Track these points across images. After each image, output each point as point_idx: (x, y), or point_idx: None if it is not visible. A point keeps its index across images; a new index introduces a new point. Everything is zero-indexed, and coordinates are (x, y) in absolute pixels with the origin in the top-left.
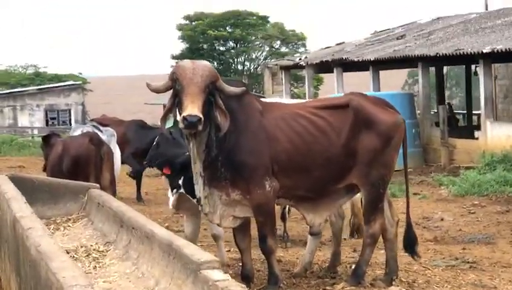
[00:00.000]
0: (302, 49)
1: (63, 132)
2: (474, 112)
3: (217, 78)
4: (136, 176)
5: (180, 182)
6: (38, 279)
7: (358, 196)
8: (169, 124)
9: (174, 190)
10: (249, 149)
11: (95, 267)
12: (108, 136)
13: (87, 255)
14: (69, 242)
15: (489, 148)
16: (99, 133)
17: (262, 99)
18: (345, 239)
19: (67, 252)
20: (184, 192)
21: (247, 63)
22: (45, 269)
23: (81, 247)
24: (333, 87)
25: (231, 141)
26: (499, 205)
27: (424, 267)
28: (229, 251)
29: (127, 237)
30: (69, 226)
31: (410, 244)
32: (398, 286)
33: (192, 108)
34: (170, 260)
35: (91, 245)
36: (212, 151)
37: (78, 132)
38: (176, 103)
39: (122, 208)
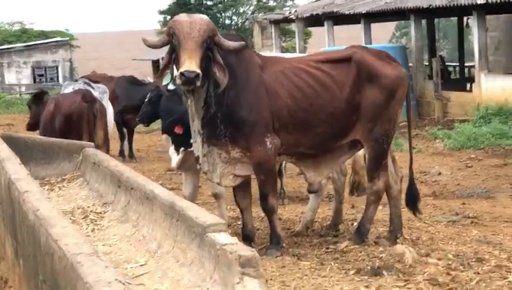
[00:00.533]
0: (290, 3)
1: (51, 89)
2: (466, 64)
3: (215, 33)
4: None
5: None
6: (38, 246)
7: (360, 152)
8: (166, 80)
9: (181, 149)
10: (249, 105)
11: (93, 230)
12: (101, 92)
13: (84, 217)
14: (64, 203)
15: (483, 100)
16: (91, 90)
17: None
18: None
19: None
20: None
21: (234, 18)
22: (45, 235)
23: (78, 208)
24: (321, 41)
25: (230, 97)
26: (496, 158)
27: (426, 223)
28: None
29: (125, 198)
30: (63, 186)
31: (412, 200)
32: (402, 243)
33: (190, 63)
34: (173, 222)
35: (88, 206)
36: (211, 108)
37: (69, 89)
38: (173, 58)
39: (119, 168)
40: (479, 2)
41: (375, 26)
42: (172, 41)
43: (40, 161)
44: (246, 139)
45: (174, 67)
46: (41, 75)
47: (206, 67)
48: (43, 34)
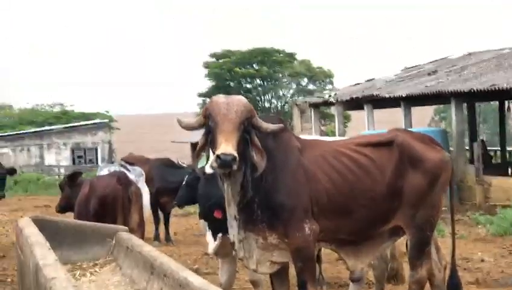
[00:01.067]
0: (329, 86)
1: (89, 170)
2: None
3: (253, 114)
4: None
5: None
6: None
7: (400, 239)
8: (202, 162)
9: (219, 234)
10: (288, 190)
11: None
12: (137, 175)
13: None
14: (95, 289)
15: None
16: (126, 172)
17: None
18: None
19: None
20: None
21: (274, 101)
22: None
23: None
24: (360, 124)
25: (268, 181)
26: None
27: None
28: None
29: (158, 285)
30: (95, 271)
31: (455, 288)
32: None
33: (227, 146)
34: None
35: None
36: (247, 193)
37: (105, 172)
38: (209, 140)
39: (153, 253)
40: None
41: (414, 110)
42: (208, 122)
43: (72, 244)
44: (284, 225)
45: (210, 150)
46: (81, 157)
47: (244, 150)
48: (83, 116)
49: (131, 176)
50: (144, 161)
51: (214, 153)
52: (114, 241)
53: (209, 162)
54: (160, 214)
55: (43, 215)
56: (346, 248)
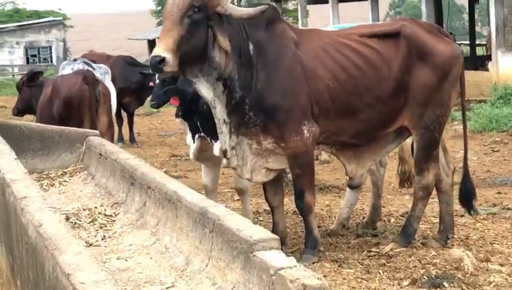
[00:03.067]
0: None
1: (44, 70)
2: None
3: (214, 3)
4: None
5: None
6: (41, 272)
7: (408, 140)
8: None
9: (196, 136)
10: (283, 88)
11: (103, 238)
12: (102, 73)
13: (92, 221)
14: (67, 202)
15: (501, 80)
16: (92, 70)
17: None
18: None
19: (67, 218)
20: (205, 135)
21: None
22: (52, 263)
23: (84, 209)
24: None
25: (260, 80)
26: None
27: (471, 218)
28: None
29: (140, 199)
30: (65, 181)
31: (468, 196)
32: (453, 245)
33: (158, 47)
34: (205, 233)
35: (95, 207)
36: (234, 93)
37: (68, 70)
38: None
39: (131, 162)
40: None
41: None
42: None
43: (37, 151)
44: (280, 128)
45: None
46: (35, 56)
47: (205, 46)
48: (36, 14)
49: (97, 75)
50: (105, 58)
51: None
52: (84, 147)
53: None
54: (123, 115)
55: (5, 120)
56: (347, 151)
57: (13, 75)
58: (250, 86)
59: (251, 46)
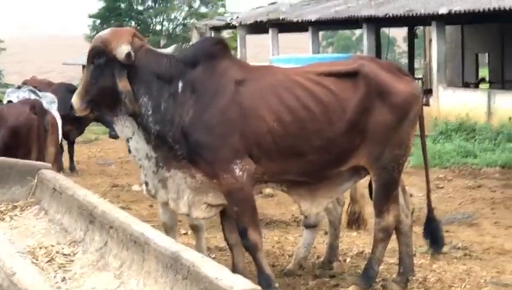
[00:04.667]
0: (221, 10)
1: None
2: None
3: (108, 47)
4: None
5: None
6: None
7: (363, 180)
8: None
9: None
10: (210, 127)
11: (63, 280)
12: (49, 102)
13: (49, 261)
14: (21, 239)
15: (442, 115)
16: (38, 99)
17: None
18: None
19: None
20: None
21: (165, 23)
22: None
23: (40, 248)
24: (258, 49)
25: (189, 116)
26: (465, 178)
27: (427, 259)
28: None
29: (101, 238)
30: (16, 215)
31: (436, 239)
32: (413, 287)
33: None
34: (178, 279)
35: (52, 245)
36: (148, 128)
37: (13, 98)
38: None
39: (90, 199)
40: (441, 12)
41: (303, 35)
42: None
43: None
44: (208, 166)
45: None
46: None
47: (113, 89)
48: None
49: (44, 103)
50: (47, 84)
51: None
52: (36, 181)
53: None
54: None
55: None
56: (299, 189)
57: None
58: (173, 121)
59: (180, 84)
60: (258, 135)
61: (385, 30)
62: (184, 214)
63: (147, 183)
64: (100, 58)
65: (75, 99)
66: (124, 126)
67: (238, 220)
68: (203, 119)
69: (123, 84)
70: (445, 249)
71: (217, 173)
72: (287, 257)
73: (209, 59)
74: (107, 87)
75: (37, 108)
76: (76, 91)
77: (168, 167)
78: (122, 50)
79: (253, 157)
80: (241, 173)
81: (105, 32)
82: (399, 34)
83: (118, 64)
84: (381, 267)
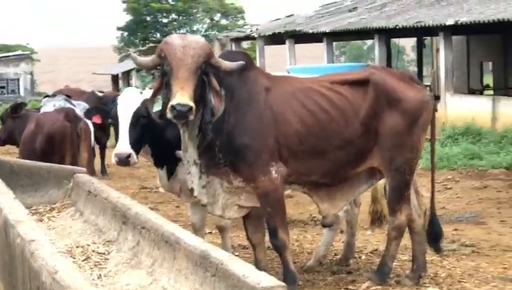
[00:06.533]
0: (241, 22)
1: (12, 101)
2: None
3: (211, 55)
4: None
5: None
6: None
7: (382, 181)
8: (158, 106)
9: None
10: (252, 132)
11: (99, 277)
12: (82, 110)
13: (86, 259)
14: (59, 239)
15: (449, 120)
16: (72, 107)
17: None
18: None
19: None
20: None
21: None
22: None
23: (77, 247)
24: (275, 59)
25: (231, 123)
26: (472, 179)
27: (437, 256)
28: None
29: (133, 238)
30: (53, 216)
31: (435, 237)
32: (425, 283)
33: (182, 96)
34: (207, 276)
35: (88, 244)
36: (207, 136)
37: (50, 107)
38: (165, 83)
39: (123, 201)
40: (447, 23)
41: (316, 45)
42: (163, 65)
43: (26, 187)
44: (248, 169)
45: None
46: (3, 87)
47: (201, 93)
48: (5, 48)
49: (77, 111)
50: (80, 93)
51: (169, 100)
52: (72, 184)
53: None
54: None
55: None
56: (319, 191)
57: None
58: (221, 128)
59: (223, 92)
60: (287, 136)
61: (395, 40)
62: (219, 215)
63: (192, 189)
64: (205, 63)
65: (193, 105)
66: (193, 129)
67: (269, 220)
68: (243, 124)
69: (218, 91)
70: (454, 245)
71: (255, 175)
72: (306, 254)
73: (241, 69)
74: (202, 94)
75: (70, 116)
76: (189, 96)
77: (208, 173)
78: (232, 64)
79: (283, 159)
80: (276, 175)
81: (203, 43)
82: (407, 43)
83: (211, 70)
84: (394, 263)
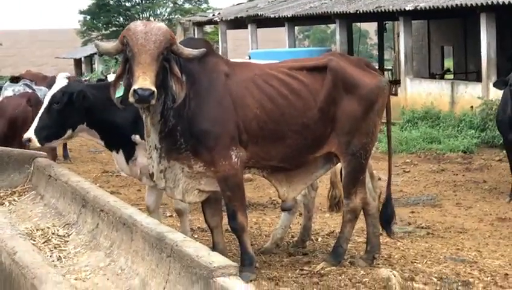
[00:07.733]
0: (204, 6)
1: None
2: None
3: (173, 42)
4: None
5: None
6: None
7: (339, 165)
8: (120, 92)
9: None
10: (212, 117)
11: (59, 258)
12: (43, 95)
13: (46, 241)
14: (19, 222)
15: (409, 104)
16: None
17: None
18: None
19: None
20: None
21: (152, 19)
22: None
23: (37, 229)
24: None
25: (192, 109)
26: (430, 163)
27: (392, 237)
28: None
29: (92, 220)
30: (14, 200)
31: (388, 220)
32: (379, 264)
33: (144, 80)
34: (162, 257)
35: (48, 227)
36: (169, 121)
37: (9, 92)
38: (127, 69)
39: (83, 185)
40: (407, 8)
41: (276, 29)
42: (126, 51)
43: None
44: (209, 153)
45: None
46: None
47: (163, 79)
48: None
49: (39, 96)
50: (42, 78)
51: (131, 85)
52: (32, 168)
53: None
54: None
55: None
56: (278, 175)
57: None
58: (183, 114)
59: (184, 78)
60: (246, 121)
61: (357, 24)
62: (179, 199)
63: (152, 174)
64: (167, 50)
65: (155, 89)
66: (155, 115)
67: (229, 204)
68: (204, 110)
69: (179, 77)
70: (409, 228)
71: (216, 160)
72: (264, 236)
73: (201, 56)
74: (163, 79)
75: (32, 101)
76: (151, 81)
77: (168, 158)
78: (193, 51)
79: (242, 143)
80: (236, 159)
81: (165, 29)
82: (371, 27)
83: (171, 56)
84: (349, 245)
